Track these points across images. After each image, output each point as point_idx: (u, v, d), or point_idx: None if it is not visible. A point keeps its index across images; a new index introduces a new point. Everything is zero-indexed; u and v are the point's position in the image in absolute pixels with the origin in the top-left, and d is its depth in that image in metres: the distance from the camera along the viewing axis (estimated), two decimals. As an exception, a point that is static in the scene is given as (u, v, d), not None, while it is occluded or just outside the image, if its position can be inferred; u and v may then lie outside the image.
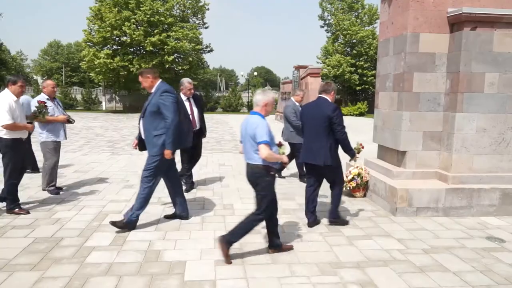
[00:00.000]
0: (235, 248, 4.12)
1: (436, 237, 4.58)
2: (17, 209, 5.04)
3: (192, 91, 6.40)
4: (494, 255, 4.09)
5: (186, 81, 6.39)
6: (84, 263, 3.69)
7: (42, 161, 6.18)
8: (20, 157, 5.06)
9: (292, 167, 8.73)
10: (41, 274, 3.46)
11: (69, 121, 6.02)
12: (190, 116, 6.29)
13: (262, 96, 3.84)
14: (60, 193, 6.08)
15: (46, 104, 5.69)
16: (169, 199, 5.91)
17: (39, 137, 5.95)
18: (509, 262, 3.92)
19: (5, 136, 4.90)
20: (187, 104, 6.30)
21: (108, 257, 3.84)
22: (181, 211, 5.00)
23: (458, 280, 3.53)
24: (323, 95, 4.81)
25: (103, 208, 5.40)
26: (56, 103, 6.03)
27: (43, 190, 6.07)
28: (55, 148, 6.01)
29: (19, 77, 5.08)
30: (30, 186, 6.48)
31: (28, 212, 5.07)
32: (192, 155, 6.56)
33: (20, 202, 5.54)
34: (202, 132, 6.60)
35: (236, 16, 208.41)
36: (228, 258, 3.74)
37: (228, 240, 3.76)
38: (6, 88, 5.00)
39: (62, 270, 3.54)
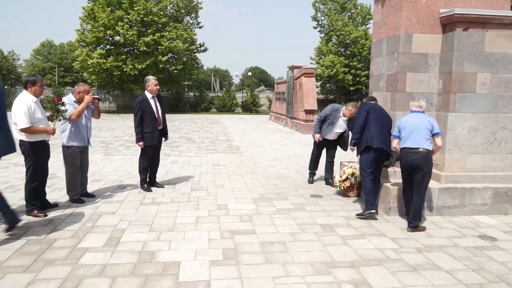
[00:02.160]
0: (230, 248, 4.13)
1: (429, 236, 4.62)
2: (35, 211, 4.95)
3: (158, 87, 6.40)
4: (487, 253, 4.14)
5: (152, 78, 6.39)
6: (78, 265, 3.67)
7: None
8: (41, 160, 4.93)
9: (285, 166, 8.75)
10: (34, 276, 3.44)
11: (97, 99, 5.62)
12: (156, 114, 6.30)
13: (425, 103, 5.00)
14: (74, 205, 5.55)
15: (62, 102, 5.21)
16: (163, 199, 5.91)
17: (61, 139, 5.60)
18: (501, 260, 3.96)
19: (26, 139, 4.75)
20: (152, 102, 6.30)
21: (102, 258, 3.81)
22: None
23: (451, 278, 3.56)
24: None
25: (96, 209, 5.37)
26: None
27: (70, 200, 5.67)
28: (78, 153, 5.60)
29: (37, 77, 4.87)
30: (22, 188, 6.41)
31: (46, 215, 4.97)
32: (153, 157, 6.54)
33: (13, 203, 5.50)
34: (164, 132, 6.61)
35: (229, 16, 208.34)
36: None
37: (416, 226, 4.73)
38: (24, 90, 4.80)
39: (55, 272, 3.51)
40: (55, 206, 5.37)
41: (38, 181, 5.00)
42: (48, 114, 5.12)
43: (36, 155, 4.87)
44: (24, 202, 5.10)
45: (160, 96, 6.55)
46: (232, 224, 4.87)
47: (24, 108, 4.65)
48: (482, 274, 3.65)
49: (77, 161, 5.62)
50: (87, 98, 5.48)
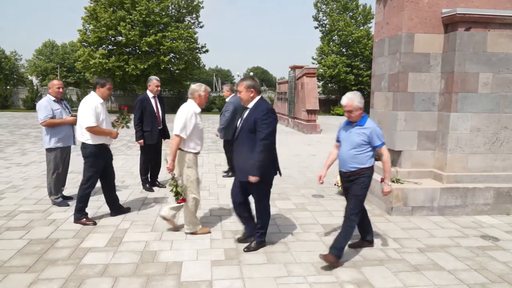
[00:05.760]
0: (232, 248, 4.13)
1: (431, 236, 4.61)
2: (84, 219, 4.75)
3: (159, 89, 6.44)
4: (489, 253, 4.13)
5: (154, 78, 6.44)
6: (80, 265, 3.68)
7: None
8: (102, 164, 4.86)
9: (286, 166, 8.74)
10: (36, 275, 3.45)
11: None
12: (156, 113, 6.33)
13: None
14: (69, 203, 5.49)
15: (127, 110, 5.38)
16: (165, 199, 5.92)
17: (43, 142, 5.42)
18: (503, 260, 3.95)
19: (89, 142, 4.70)
20: (153, 101, 6.34)
21: (104, 258, 3.82)
22: None
23: (453, 279, 3.56)
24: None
25: (98, 209, 5.38)
26: (63, 105, 5.54)
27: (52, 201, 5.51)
28: (61, 154, 5.45)
29: (107, 80, 4.93)
30: (24, 188, 6.45)
31: (95, 223, 4.75)
32: (154, 157, 6.51)
33: (15, 203, 5.53)
34: (164, 132, 6.62)
35: (231, 16, 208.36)
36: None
37: None
38: (92, 91, 4.85)
39: (58, 272, 3.53)
40: (128, 210, 5.24)
41: (94, 186, 4.86)
42: (112, 119, 5.13)
43: (97, 159, 4.80)
44: (26, 202, 5.15)
45: (161, 97, 6.58)
46: (233, 224, 4.87)
47: (92, 107, 4.66)
48: (484, 274, 3.65)
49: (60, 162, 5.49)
50: (69, 119, 5.43)
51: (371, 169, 3.82)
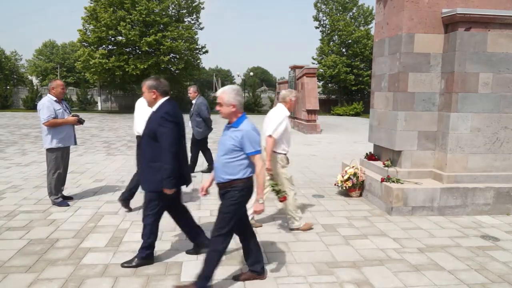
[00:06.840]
0: (232, 249, 4.13)
1: (431, 236, 4.61)
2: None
3: None
4: (489, 253, 4.13)
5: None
6: (80, 265, 3.68)
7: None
8: None
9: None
10: (36, 276, 3.45)
11: (80, 121, 5.51)
12: None
13: None
14: (69, 203, 5.55)
15: None
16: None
17: (44, 142, 5.40)
18: (503, 260, 3.95)
19: None
20: None
21: (104, 258, 3.82)
22: None
23: (453, 279, 3.55)
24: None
25: (98, 209, 5.38)
26: (64, 105, 5.52)
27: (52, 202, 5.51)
28: (62, 155, 5.47)
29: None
30: (24, 188, 6.45)
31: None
32: None
33: (15, 203, 5.53)
34: None
35: (231, 16, 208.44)
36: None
37: None
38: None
39: (58, 272, 3.53)
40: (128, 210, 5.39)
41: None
42: None
43: None
44: (26, 202, 5.11)
45: None
46: (234, 224, 4.86)
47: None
48: (484, 274, 3.65)
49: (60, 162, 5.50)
50: (71, 119, 5.46)
51: (245, 182, 3.17)
